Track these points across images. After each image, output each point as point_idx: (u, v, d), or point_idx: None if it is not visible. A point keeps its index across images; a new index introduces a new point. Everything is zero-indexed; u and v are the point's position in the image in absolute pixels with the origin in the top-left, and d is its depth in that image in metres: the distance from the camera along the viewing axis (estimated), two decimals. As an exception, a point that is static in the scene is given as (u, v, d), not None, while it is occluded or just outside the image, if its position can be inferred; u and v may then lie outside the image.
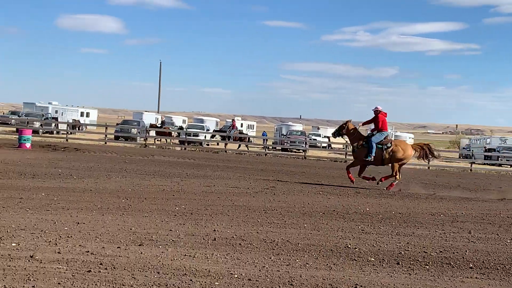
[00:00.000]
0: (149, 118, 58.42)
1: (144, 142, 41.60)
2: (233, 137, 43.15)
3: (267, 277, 6.90)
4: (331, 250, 8.61)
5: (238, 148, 42.54)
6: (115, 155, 28.01)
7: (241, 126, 64.74)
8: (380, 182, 18.74)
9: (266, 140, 50.04)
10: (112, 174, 17.98)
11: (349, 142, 20.10)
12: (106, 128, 44.43)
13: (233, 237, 9.09)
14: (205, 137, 46.38)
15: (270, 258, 7.87)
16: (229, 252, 8.03)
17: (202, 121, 62.07)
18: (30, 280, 6.16)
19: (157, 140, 45.47)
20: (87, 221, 9.67)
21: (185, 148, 40.29)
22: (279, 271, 7.19)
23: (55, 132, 47.39)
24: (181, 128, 52.44)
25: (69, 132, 44.57)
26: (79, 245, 7.81)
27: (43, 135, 42.83)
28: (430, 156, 19.53)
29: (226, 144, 42.78)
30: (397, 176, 18.59)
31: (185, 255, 7.70)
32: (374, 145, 18.48)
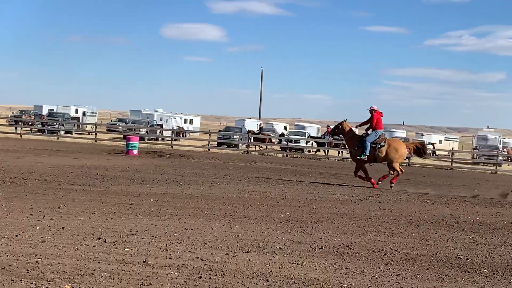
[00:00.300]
0: (250, 125, 59.00)
1: (246, 148, 42.03)
2: (327, 143, 42.93)
3: (377, 287, 6.78)
4: (442, 260, 8.37)
5: (338, 155, 42.31)
6: (219, 162, 28.42)
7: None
8: (380, 182, 19.48)
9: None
10: (216, 180, 18.24)
11: (344, 142, 21.14)
12: (209, 134, 45.18)
13: (340, 245, 9.01)
14: (306, 143, 46.36)
15: (379, 268, 7.73)
16: (336, 261, 7.95)
17: (303, 127, 62.06)
18: (143, 285, 6.30)
19: (259, 147, 45.85)
20: (195, 227, 9.83)
21: (286, 155, 40.41)
22: (389, 281, 7.06)
23: (160, 138, 48.65)
24: (282, 134, 52.65)
25: (173, 139, 45.63)
26: (189, 251, 7.94)
27: (148, 141, 44.07)
28: (422, 153, 20.55)
29: (327, 151, 42.61)
30: (391, 172, 19.54)
31: (293, 263, 7.68)
32: (369, 144, 19.21)
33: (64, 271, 6.54)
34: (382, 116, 19.65)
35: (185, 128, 61.06)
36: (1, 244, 7.60)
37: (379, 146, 19.28)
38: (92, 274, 6.53)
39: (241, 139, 45.80)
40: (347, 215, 12.28)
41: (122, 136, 46.24)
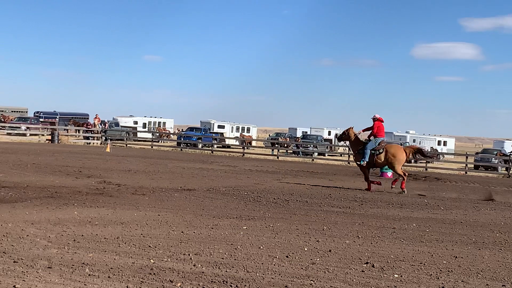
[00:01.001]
0: (510, 147, 55.85)
1: (507, 171, 39.71)
2: None
3: None
4: None
5: None
6: (478, 186, 27.12)
7: None
8: (393, 187, 20.52)
9: None
10: (479, 206, 17.33)
11: (350, 147, 22.05)
12: (467, 157, 43.46)
13: None
14: None
15: None
16: None
17: None
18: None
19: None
20: (464, 255, 9.34)
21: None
22: None
23: (413, 161, 47.82)
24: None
25: (427, 162, 44.59)
26: (462, 281, 7.53)
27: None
28: (422, 157, 21.64)
29: None
30: (402, 176, 20.42)
31: None
32: (368, 151, 20.35)
33: (338, 295, 6.51)
34: (383, 122, 20.79)
35: (439, 150, 59.55)
36: (274, 264, 7.81)
37: (378, 152, 20.38)
38: (365, 300, 6.42)
39: (500, 162, 43.48)
40: None
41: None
